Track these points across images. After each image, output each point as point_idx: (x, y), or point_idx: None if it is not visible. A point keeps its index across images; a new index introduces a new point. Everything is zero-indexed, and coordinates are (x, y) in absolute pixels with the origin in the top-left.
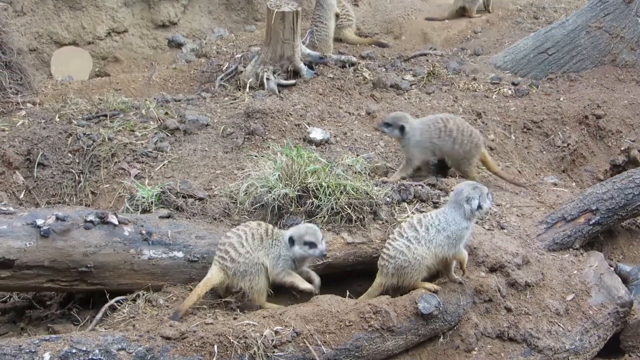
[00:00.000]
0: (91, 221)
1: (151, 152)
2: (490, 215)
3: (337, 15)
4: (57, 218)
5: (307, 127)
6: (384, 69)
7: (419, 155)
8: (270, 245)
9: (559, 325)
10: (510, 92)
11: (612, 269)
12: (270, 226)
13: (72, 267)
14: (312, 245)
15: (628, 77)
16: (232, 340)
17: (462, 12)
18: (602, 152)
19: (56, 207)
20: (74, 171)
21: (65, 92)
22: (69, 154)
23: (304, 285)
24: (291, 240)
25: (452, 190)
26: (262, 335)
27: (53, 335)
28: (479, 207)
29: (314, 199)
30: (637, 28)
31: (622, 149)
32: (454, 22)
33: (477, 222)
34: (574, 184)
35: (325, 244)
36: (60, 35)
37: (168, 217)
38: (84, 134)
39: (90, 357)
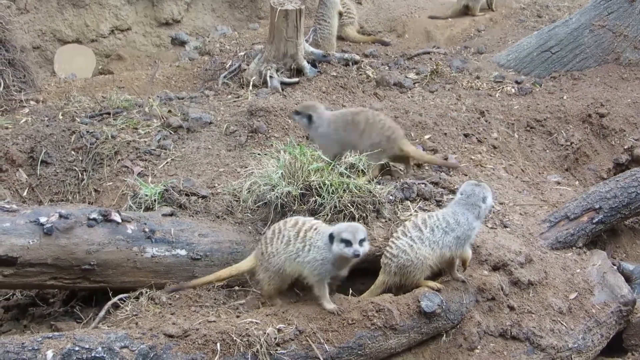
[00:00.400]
0: (94, 219)
1: (154, 150)
2: (493, 213)
3: (340, 14)
4: (60, 216)
5: None
6: (387, 67)
7: (328, 146)
8: (301, 249)
9: (561, 323)
10: (513, 90)
11: (615, 267)
12: (308, 225)
13: (75, 265)
14: (347, 243)
15: (632, 76)
16: (234, 338)
17: (465, 11)
18: (605, 151)
19: (59, 204)
20: (77, 169)
21: (68, 89)
22: (72, 152)
23: (330, 306)
24: (331, 237)
25: (458, 191)
26: (265, 333)
27: (56, 333)
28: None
29: (317, 197)
30: None
31: (626, 147)
32: (457, 21)
33: None
34: (577, 182)
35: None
36: (64, 33)
37: (171, 215)
38: (87, 131)
39: (93, 354)
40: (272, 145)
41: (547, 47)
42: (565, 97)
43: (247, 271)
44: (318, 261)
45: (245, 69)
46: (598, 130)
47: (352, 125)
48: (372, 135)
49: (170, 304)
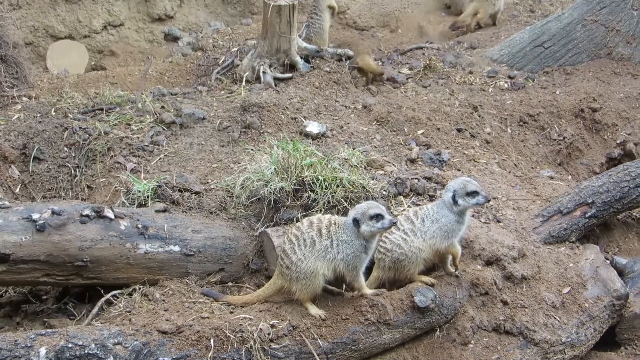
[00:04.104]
0: (87, 215)
1: (147, 146)
2: (486, 208)
3: (332, 9)
4: (53, 212)
5: (304, 120)
6: (380, 63)
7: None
8: (330, 246)
9: (555, 318)
10: (506, 85)
11: (608, 261)
12: (326, 222)
13: (68, 262)
14: (378, 217)
15: (624, 71)
16: (228, 334)
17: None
18: (598, 145)
19: (52, 201)
20: (69, 165)
21: (61, 85)
22: (65, 148)
23: (369, 291)
24: (356, 222)
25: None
26: (258, 329)
27: (49, 330)
28: (455, 202)
29: (310, 193)
30: (632, 21)
31: (618, 142)
32: (450, 16)
33: (473, 216)
34: (570, 177)
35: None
36: (56, 28)
37: (164, 211)
38: (80, 127)
39: (86, 351)
40: (265, 140)
41: (539, 42)
42: (558, 92)
43: (275, 294)
44: (350, 255)
45: (238, 65)
46: (591, 124)
47: None
48: None
49: (163, 301)
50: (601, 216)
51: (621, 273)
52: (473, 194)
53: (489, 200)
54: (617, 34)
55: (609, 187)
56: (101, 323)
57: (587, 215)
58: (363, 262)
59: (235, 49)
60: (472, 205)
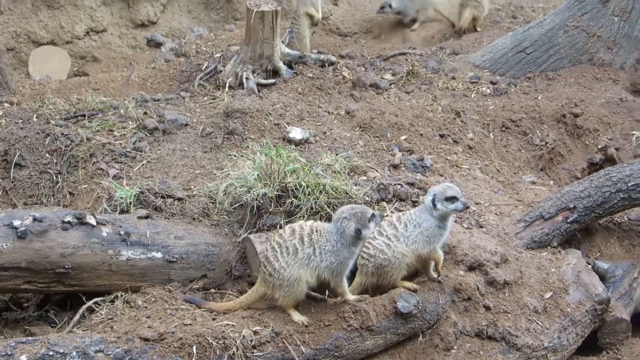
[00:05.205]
0: (69, 222)
1: (130, 152)
2: (469, 214)
3: (309, 16)
4: (35, 219)
5: (287, 126)
6: (363, 68)
7: None
8: (312, 254)
9: (537, 323)
10: (489, 91)
11: (590, 266)
12: (307, 229)
13: (49, 269)
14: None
15: (605, 76)
16: (210, 341)
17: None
18: (579, 151)
19: (33, 207)
20: (51, 171)
21: (43, 91)
22: (47, 154)
23: (352, 297)
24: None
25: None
26: (241, 335)
27: (30, 338)
28: (434, 205)
29: (293, 199)
30: (613, 27)
31: (600, 147)
32: (433, 21)
33: (455, 221)
34: (552, 182)
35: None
36: (39, 34)
37: (147, 217)
38: (62, 134)
39: (67, 359)
40: (248, 146)
41: (521, 48)
42: (540, 98)
43: (257, 300)
44: (334, 263)
45: (221, 71)
46: (572, 130)
47: None
48: None
49: (145, 308)
50: (583, 221)
51: (603, 278)
52: (452, 199)
53: (467, 207)
54: (598, 40)
55: (591, 192)
56: (83, 330)
57: (568, 220)
58: (347, 267)
59: (218, 54)
60: (450, 210)
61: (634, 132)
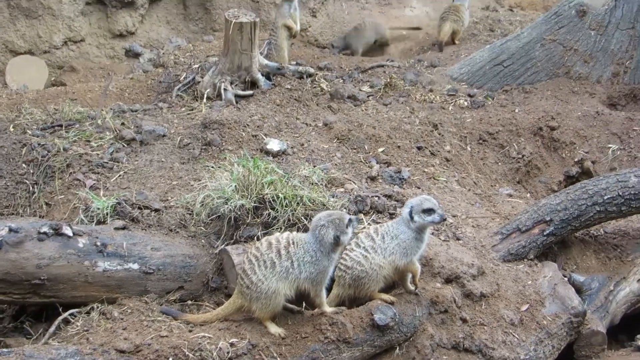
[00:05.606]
0: (45, 233)
1: (107, 162)
2: (446, 226)
3: (288, 28)
4: (10, 230)
5: (264, 138)
6: (341, 80)
7: None
8: (290, 266)
9: (513, 335)
10: (466, 103)
11: (566, 279)
12: (284, 242)
13: (25, 280)
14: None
15: (581, 90)
16: (187, 352)
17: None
18: (556, 164)
19: (9, 218)
20: (28, 182)
21: (20, 101)
22: (23, 165)
23: (330, 309)
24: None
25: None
26: (217, 347)
27: (5, 350)
28: (411, 217)
29: (270, 210)
30: (590, 41)
31: (576, 160)
32: (412, 34)
33: (432, 233)
34: (528, 194)
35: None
36: (16, 43)
37: (123, 228)
38: (39, 144)
39: None
40: (225, 158)
41: (499, 61)
42: (517, 110)
43: (234, 312)
44: (314, 273)
45: (199, 82)
46: (549, 143)
47: None
48: None
49: (122, 319)
50: (559, 234)
51: (579, 290)
52: (429, 211)
53: (444, 220)
54: (575, 53)
55: (567, 205)
56: (58, 342)
57: (545, 233)
58: (328, 275)
59: (196, 65)
60: (427, 222)
61: (610, 145)
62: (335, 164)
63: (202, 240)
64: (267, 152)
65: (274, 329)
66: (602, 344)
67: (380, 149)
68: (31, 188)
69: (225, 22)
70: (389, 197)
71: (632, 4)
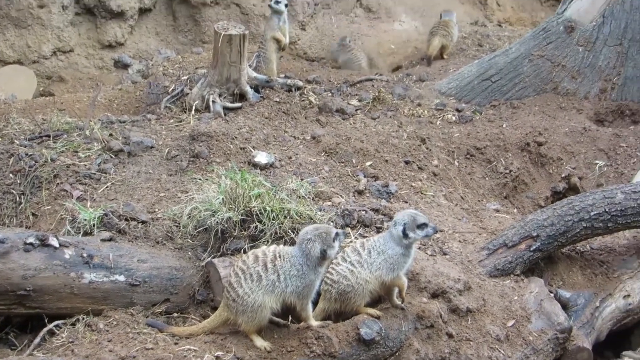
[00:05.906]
0: (31, 243)
1: (94, 173)
2: (432, 241)
3: (277, 41)
4: None
5: (252, 150)
6: (330, 94)
7: None
8: (277, 280)
9: (499, 351)
10: (454, 118)
11: (552, 295)
12: (271, 255)
13: (10, 290)
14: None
15: (569, 105)
16: None
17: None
18: (543, 179)
19: None
20: (14, 192)
21: (8, 111)
22: (10, 175)
23: (316, 323)
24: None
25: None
26: None
27: None
28: (406, 235)
29: (257, 223)
30: (577, 57)
31: (563, 175)
32: (401, 48)
33: (419, 248)
34: (515, 210)
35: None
36: (5, 53)
37: (110, 240)
38: (26, 154)
39: None
40: (213, 170)
41: (487, 76)
42: (504, 126)
43: (220, 325)
44: (300, 287)
45: (188, 93)
46: (536, 158)
47: None
48: None
49: (107, 331)
50: (546, 249)
51: (565, 306)
52: (422, 226)
53: (437, 232)
54: (562, 69)
55: (554, 221)
56: (43, 354)
57: (531, 249)
58: (314, 289)
59: (185, 77)
60: (421, 237)
61: (597, 162)
62: (323, 178)
63: (189, 253)
64: (255, 165)
65: (259, 342)
66: None
67: (368, 163)
68: (18, 198)
69: (215, 34)
70: (376, 211)
71: (620, 20)
